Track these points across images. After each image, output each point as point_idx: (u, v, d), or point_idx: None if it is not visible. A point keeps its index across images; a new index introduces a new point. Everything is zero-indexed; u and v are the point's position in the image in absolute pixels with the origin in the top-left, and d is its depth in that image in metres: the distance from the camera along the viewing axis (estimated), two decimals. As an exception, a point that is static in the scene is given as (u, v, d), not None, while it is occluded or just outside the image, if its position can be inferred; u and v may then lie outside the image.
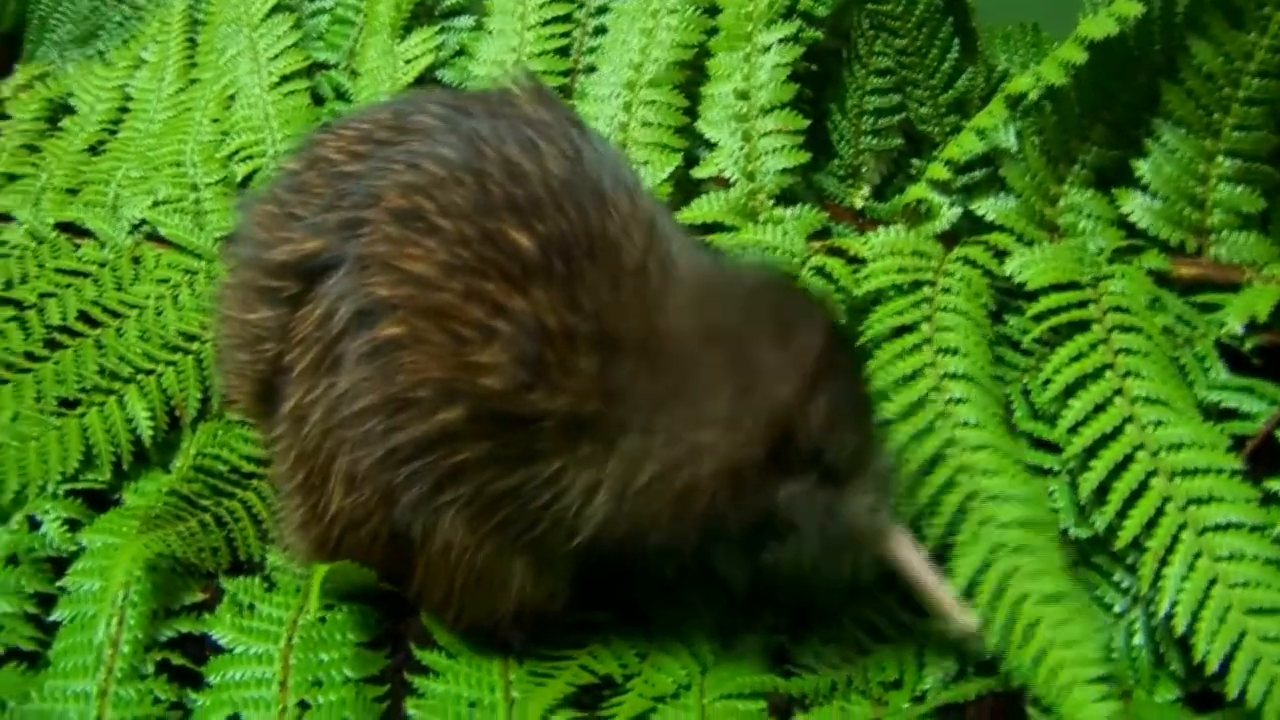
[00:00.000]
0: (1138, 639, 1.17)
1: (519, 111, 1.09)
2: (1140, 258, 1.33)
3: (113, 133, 1.81)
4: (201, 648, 1.12)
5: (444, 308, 0.97)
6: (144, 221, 1.64)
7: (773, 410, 0.99)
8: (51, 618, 1.15)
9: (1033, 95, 1.31)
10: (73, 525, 1.21)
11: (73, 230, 1.65)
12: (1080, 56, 1.28)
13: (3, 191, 1.70)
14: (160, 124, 1.79)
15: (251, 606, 1.15)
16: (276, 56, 1.78)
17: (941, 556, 1.20)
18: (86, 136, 1.80)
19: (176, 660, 1.10)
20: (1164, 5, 1.30)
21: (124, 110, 1.84)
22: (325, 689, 1.06)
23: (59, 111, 1.86)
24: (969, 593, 1.17)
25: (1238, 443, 1.17)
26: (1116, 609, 1.19)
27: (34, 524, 1.21)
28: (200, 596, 1.16)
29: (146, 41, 1.91)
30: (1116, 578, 1.19)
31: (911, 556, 1.08)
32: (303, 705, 1.04)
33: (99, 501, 1.28)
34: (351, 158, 1.07)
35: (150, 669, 1.08)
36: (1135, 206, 1.34)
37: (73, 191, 1.70)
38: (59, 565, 1.19)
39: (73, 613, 1.13)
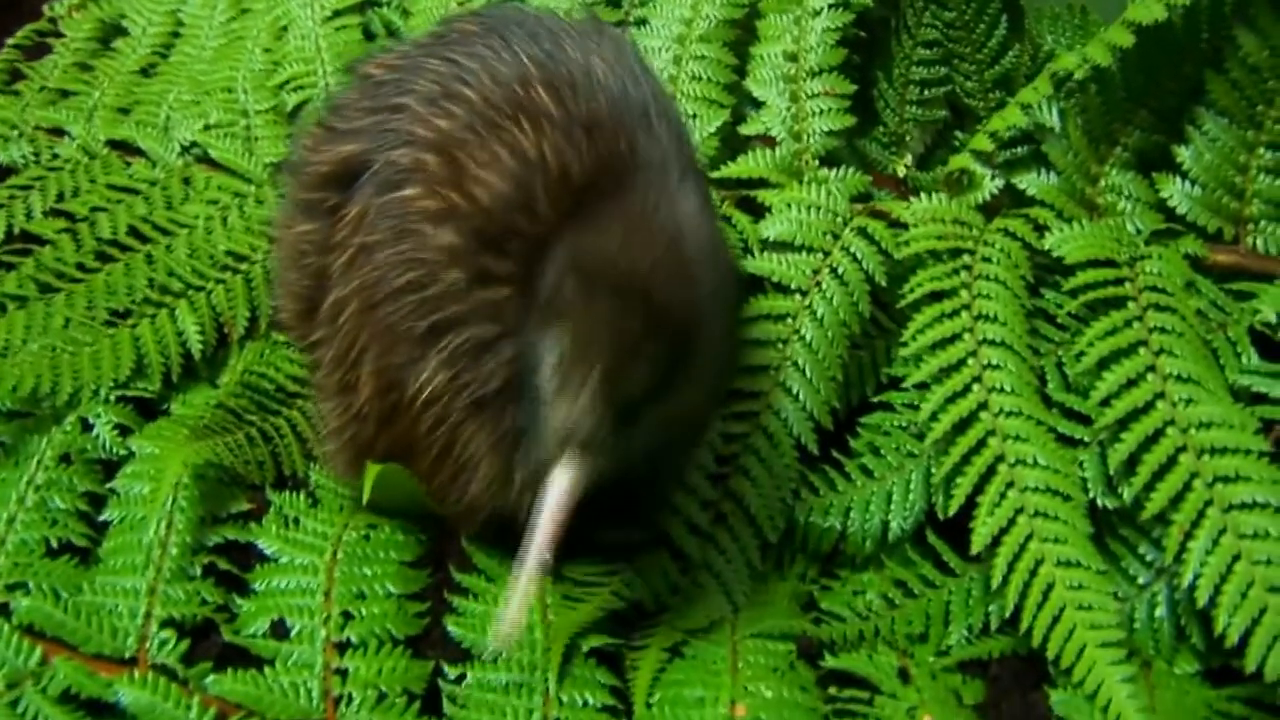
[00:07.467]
0: (1160, 611, 1.20)
1: (568, 26, 1.12)
2: (1178, 242, 1.35)
3: (164, 56, 1.82)
4: (247, 556, 1.15)
5: (459, 144, 1.01)
6: (194, 144, 1.65)
7: (551, 262, 0.98)
8: (101, 518, 1.18)
9: (1079, 74, 1.33)
10: (123, 430, 1.24)
11: (124, 148, 1.67)
12: (1127, 40, 1.30)
13: (56, 107, 1.71)
14: (211, 50, 1.81)
15: (296, 520, 1.18)
16: (330, -9, 1.79)
17: (965, 515, 1.24)
18: (138, 58, 1.81)
19: (223, 565, 1.13)
20: (1213, -4, 1.32)
21: (175, 35, 1.85)
22: (369, 602, 1.09)
23: (111, 33, 1.87)
24: (989, 552, 1.20)
25: (1266, 426, 1.19)
26: (1140, 581, 1.21)
27: (86, 426, 1.24)
28: (246, 506, 1.19)
29: (199, -31, 1.92)
30: (1142, 550, 1.21)
31: (548, 508, 0.94)
32: (346, 615, 1.07)
33: (147, 410, 1.31)
34: (389, 70, 1.11)
35: (197, 571, 1.11)
36: (1175, 192, 1.36)
37: (124, 111, 1.71)
38: (109, 469, 1.22)
39: (122, 514, 1.16)
